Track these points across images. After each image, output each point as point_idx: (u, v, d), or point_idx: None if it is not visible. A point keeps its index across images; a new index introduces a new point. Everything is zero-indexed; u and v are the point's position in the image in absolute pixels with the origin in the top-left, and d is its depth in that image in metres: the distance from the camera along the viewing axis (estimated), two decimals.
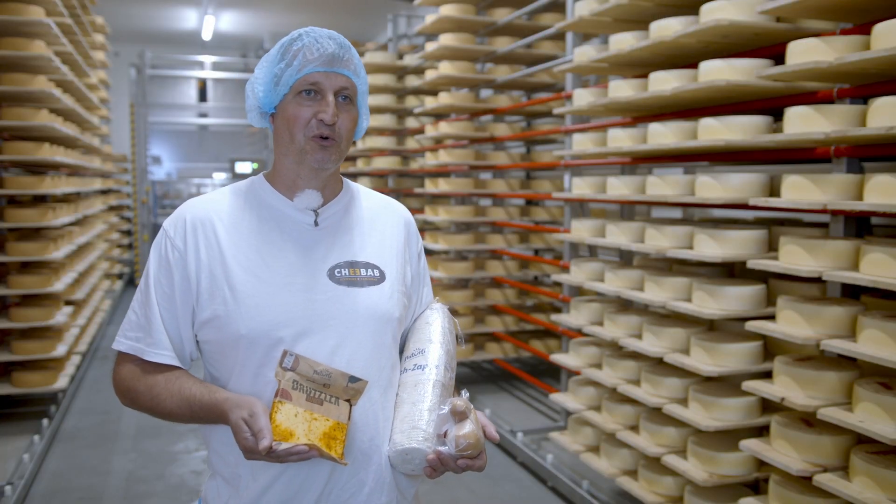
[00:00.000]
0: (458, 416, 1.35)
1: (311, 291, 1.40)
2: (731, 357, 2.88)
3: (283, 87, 1.40)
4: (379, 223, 1.53)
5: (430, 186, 5.93)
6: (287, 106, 1.40)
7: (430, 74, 5.73)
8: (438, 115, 6.42)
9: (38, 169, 5.79)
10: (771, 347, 3.01)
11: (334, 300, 1.41)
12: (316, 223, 1.46)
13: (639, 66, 3.67)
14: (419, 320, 1.60)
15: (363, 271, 1.45)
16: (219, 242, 1.41)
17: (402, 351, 1.58)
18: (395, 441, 1.39)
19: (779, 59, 2.86)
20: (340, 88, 1.40)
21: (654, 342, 3.22)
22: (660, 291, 3.19)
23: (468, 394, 1.42)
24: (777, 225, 3.24)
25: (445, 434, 1.36)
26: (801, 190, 2.59)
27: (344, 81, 1.40)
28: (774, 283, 3.00)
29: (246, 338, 1.37)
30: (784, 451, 2.55)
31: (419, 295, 1.62)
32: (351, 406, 1.34)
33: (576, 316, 3.88)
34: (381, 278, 1.46)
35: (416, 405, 1.41)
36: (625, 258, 4.04)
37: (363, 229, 1.50)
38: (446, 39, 5.54)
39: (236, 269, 1.39)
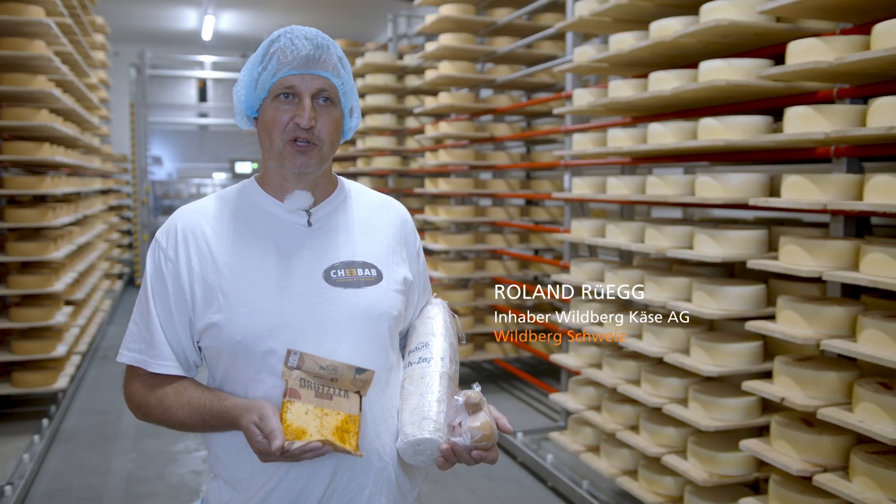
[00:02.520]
0: (473, 407, 1.35)
1: (306, 294, 1.38)
2: (731, 357, 2.88)
3: (262, 91, 1.39)
4: (375, 222, 1.52)
5: (430, 186, 5.93)
6: (266, 110, 1.39)
7: (430, 74, 5.73)
8: (438, 115, 6.42)
9: (38, 169, 5.78)
10: (771, 347, 3.01)
11: (329, 302, 1.39)
12: (309, 223, 1.44)
13: (639, 66, 3.67)
14: (421, 315, 1.59)
15: (360, 271, 1.43)
16: (210, 250, 1.40)
17: (404, 346, 1.57)
18: (405, 433, 1.37)
19: (779, 59, 2.86)
20: (318, 90, 1.38)
21: (654, 342, 3.22)
22: (660, 291, 3.19)
23: (480, 387, 1.41)
24: (777, 225, 3.24)
25: (459, 425, 1.35)
26: (801, 190, 2.59)
27: (321, 83, 1.38)
28: (774, 283, 3.00)
29: (241, 344, 1.36)
30: (784, 451, 2.55)
31: (418, 293, 1.60)
32: (361, 397, 1.34)
33: (576, 316, 3.88)
34: (379, 278, 1.45)
35: (425, 396, 1.39)
36: (625, 258, 4.04)
37: (359, 228, 1.48)
38: (446, 39, 5.54)
39: (229, 276, 1.38)
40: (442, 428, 1.35)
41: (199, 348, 1.45)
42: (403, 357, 1.54)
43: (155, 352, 1.40)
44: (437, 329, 1.53)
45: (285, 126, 1.37)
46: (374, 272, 1.45)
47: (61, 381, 4.91)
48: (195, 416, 1.37)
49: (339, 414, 1.30)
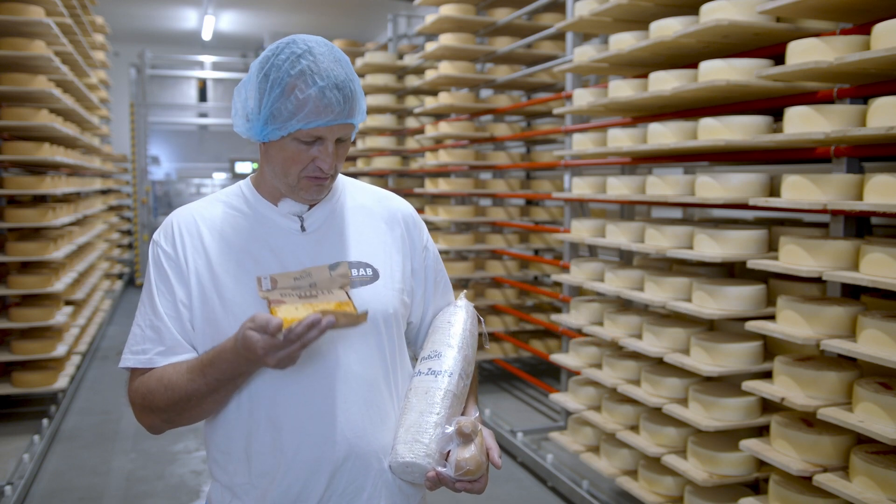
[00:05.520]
0: (463, 437, 1.33)
1: None
2: (731, 357, 2.88)
3: (282, 131, 1.31)
4: (372, 220, 1.49)
5: (430, 186, 5.93)
6: (285, 146, 1.33)
7: (430, 74, 5.73)
8: (438, 115, 6.42)
9: (38, 169, 5.79)
10: (771, 347, 3.01)
11: None
12: (303, 228, 1.42)
13: (639, 66, 3.67)
14: (440, 318, 1.54)
15: (354, 271, 1.41)
16: (206, 250, 1.39)
17: (421, 347, 1.55)
18: (396, 451, 1.37)
19: (779, 59, 2.86)
20: (343, 134, 1.35)
21: (654, 342, 3.22)
22: (660, 291, 3.19)
23: (478, 413, 1.39)
24: (777, 225, 3.24)
25: (448, 454, 1.34)
26: (801, 190, 2.59)
27: (347, 129, 1.35)
28: (774, 283, 3.00)
29: None
30: (784, 451, 2.55)
31: (428, 288, 1.56)
32: (346, 290, 1.29)
33: (576, 316, 3.88)
34: (375, 277, 1.43)
35: (423, 416, 1.37)
36: (625, 258, 4.04)
37: (354, 228, 1.46)
38: (446, 39, 5.54)
39: (224, 278, 1.37)
40: (433, 453, 1.34)
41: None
42: (417, 359, 1.51)
43: (164, 348, 1.37)
44: (454, 339, 1.48)
45: (305, 166, 1.34)
46: (369, 271, 1.43)
47: (61, 381, 4.92)
48: (195, 375, 1.31)
49: (330, 303, 1.24)
